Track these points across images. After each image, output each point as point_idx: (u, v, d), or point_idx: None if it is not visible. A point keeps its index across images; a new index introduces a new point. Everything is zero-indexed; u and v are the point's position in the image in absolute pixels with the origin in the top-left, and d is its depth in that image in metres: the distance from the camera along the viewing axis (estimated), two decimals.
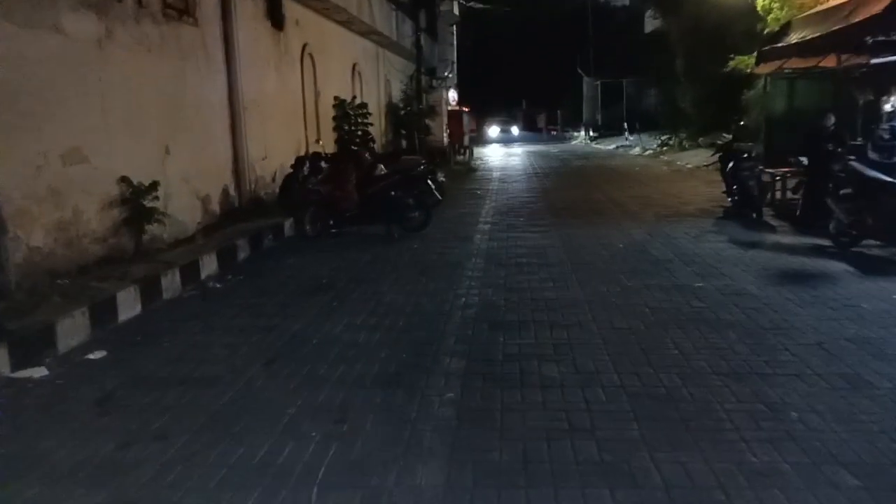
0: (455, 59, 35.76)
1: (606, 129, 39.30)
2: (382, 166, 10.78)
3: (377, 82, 19.72)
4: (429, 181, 9.84)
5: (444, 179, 12.17)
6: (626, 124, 32.11)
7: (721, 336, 4.67)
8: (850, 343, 4.45)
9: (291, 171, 9.93)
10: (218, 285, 6.66)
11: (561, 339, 4.70)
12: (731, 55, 17.48)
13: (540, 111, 52.06)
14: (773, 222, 9.32)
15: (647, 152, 25.81)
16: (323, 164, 9.58)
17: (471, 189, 15.15)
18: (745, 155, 9.94)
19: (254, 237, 8.42)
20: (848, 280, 6.09)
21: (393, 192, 9.07)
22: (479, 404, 3.69)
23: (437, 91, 25.21)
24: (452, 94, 28.90)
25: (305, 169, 9.60)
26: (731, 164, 10.17)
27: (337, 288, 6.36)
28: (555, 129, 49.78)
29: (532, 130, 51.22)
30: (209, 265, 7.11)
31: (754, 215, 9.51)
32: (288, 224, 9.48)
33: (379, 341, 4.78)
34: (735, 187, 9.97)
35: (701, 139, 23.32)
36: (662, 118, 29.15)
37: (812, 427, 3.33)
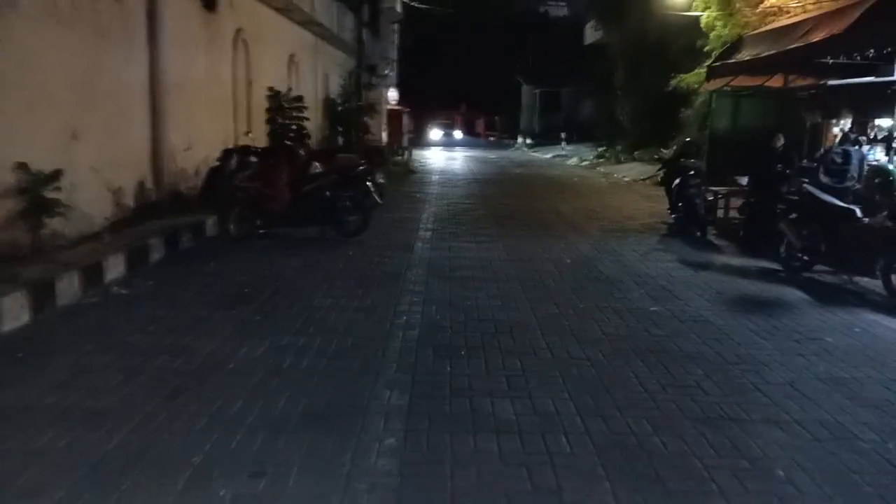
0: (396, 59, 35.20)
1: (543, 138, 39.48)
2: (318, 164, 10.11)
3: (315, 75, 18.90)
4: (368, 182, 9.22)
5: (383, 181, 11.55)
6: (563, 134, 32.22)
7: (686, 371, 4.28)
8: (823, 384, 4.13)
9: (218, 164, 9.12)
10: (124, 291, 5.87)
11: (514, 370, 4.21)
12: (674, 74, 17.60)
13: (479, 116, 51.91)
14: (718, 242, 9.16)
15: (584, 163, 25.88)
16: (253, 158, 8.81)
17: (410, 192, 14.59)
18: (692, 172, 9.77)
19: (170, 237, 7.60)
20: (806, 309, 5.86)
21: (329, 193, 8.42)
22: (424, 455, 3.13)
23: (377, 89, 24.52)
24: (393, 94, 28.29)
25: (233, 163, 8.80)
26: (677, 181, 10.00)
27: (261, 299, 5.69)
28: (493, 136, 49.81)
29: (472, 135, 50.91)
30: (115, 267, 6.28)
31: (699, 233, 9.33)
32: (210, 223, 8.67)
33: (307, 368, 4.16)
34: (680, 204, 9.79)
35: (636, 153, 23.52)
36: (599, 129, 29.38)
37: (802, 489, 2.93)
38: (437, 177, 19.02)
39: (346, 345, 4.57)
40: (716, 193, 10.52)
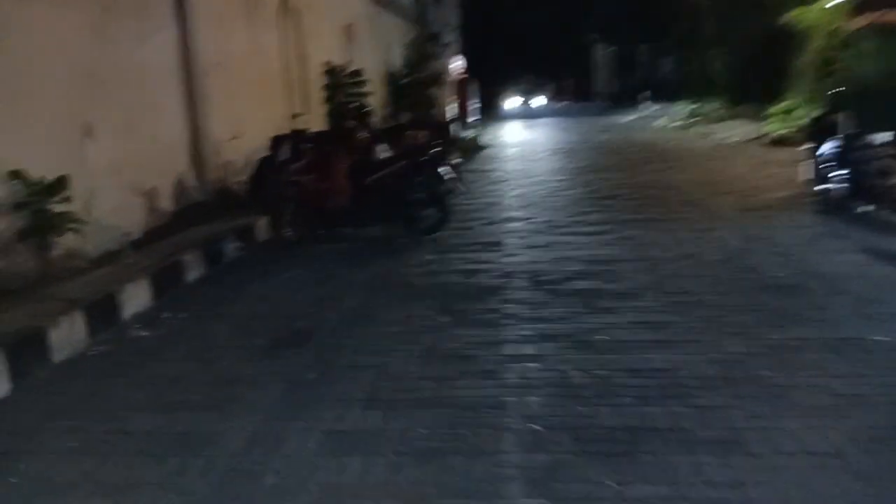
0: (459, 25, 33.25)
1: (621, 99, 36.82)
2: (384, 147, 8.58)
3: (374, 47, 17.35)
4: (443, 166, 7.63)
5: (460, 161, 9.95)
6: (647, 93, 29.62)
7: None
8: None
9: (266, 154, 7.73)
10: (144, 333, 4.51)
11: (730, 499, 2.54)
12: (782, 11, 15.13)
13: (550, 81, 49.00)
14: None
15: (675, 124, 23.42)
16: (307, 145, 7.36)
17: (486, 170, 12.91)
18: (855, 133, 7.68)
19: (212, 247, 6.24)
20: None
21: (398, 183, 6.88)
22: None
23: (441, 58, 22.77)
24: (458, 63, 26.45)
25: (285, 152, 7.39)
26: (833, 144, 7.92)
27: (317, 339, 4.21)
28: (566, 100, 46.90)
29: (547, 101, 46.62)
30: (137, 298, 4.94)
31: (868, 208, 7.29)
32: (262, 224, 7.29)
33: (384, 483, 2.64)
34: (845, 173, 7.72)
35: (736, 109, 20.98)
36: (688, 87, 26.72)
37: None
38: (513, 150, 17.24)
39: (439, 431, 3.01)
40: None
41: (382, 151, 8.67)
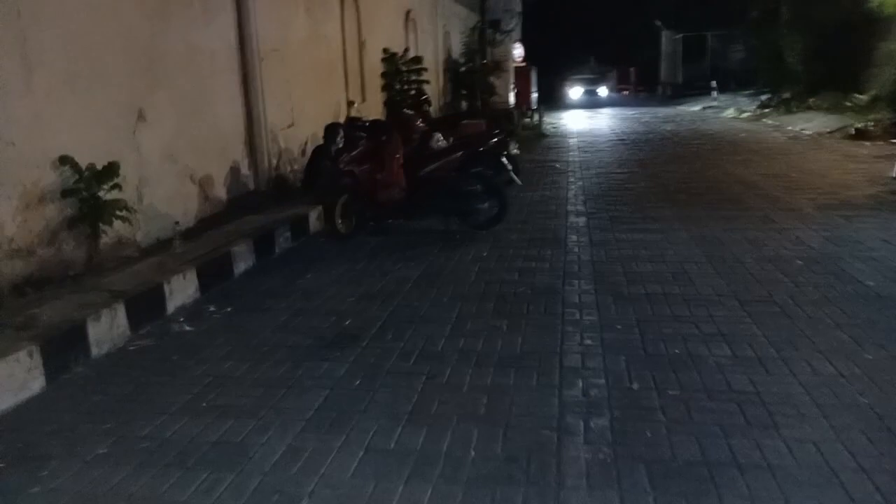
0: (520, 11, 32.60)
1: (688, 88, 35.50)
2: (440, 136, 8.29)
3: (434, 34, 17.06)
4: (503, 158, 7.29)
5: (518, 151, 9.60)
6: (713, 82, 28.40)
7: None
8: None
9: (321, 144, 7.55)
10: (188, 328, 4.35)
11: None
12: None
13: (610, 69, 47.53)
14: None
15: (744, 115, 22.36)
16: (361, 134, 7.13)
17: (546, 161, 12.47)
18: None
19: (263, 238, 6.08)
20: None
21: (455, 174, 6.58)
22: None
23: (502, 45, 22.31)
24: (519, 50, 25.91)
25: (339, 140, 7.17)
26: None
27: (364, 340, 3.96)
28: (627, 89, 45.49)
29: (612, 91, 43.99)
30: (183, 290, 4.80)
31: None
32: (314, 216, 7.11)
33: None
34: None
35: (811, 100, 19.83)
36: (760, 75, 25.51)
37: None
38: (574, 140, 16.69)
39: (491, 455, 2.71)
40: None
41: (439, 141, 8.40)
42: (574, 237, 6.41)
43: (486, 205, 6.56)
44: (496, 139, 6.91)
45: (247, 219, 6.66)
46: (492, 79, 19.06)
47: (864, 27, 17.66)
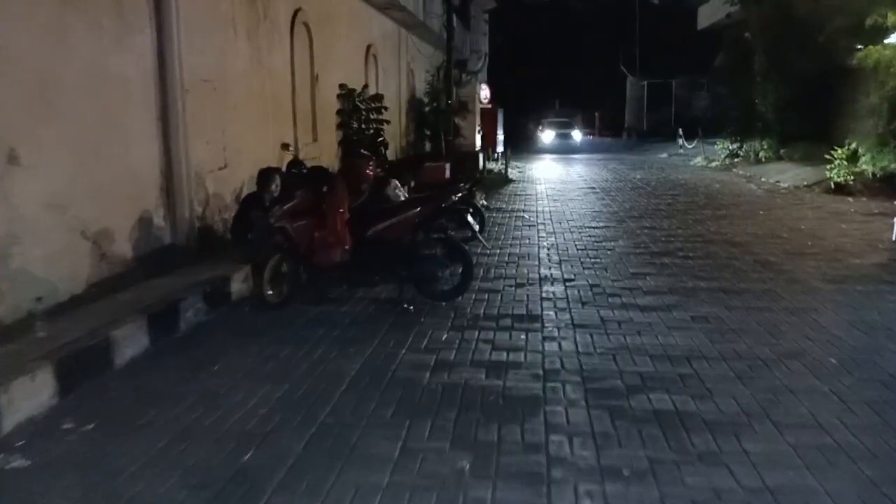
0: (487, 52, 32.16)
1: (652, 134, 35.40)
2: (397, 184, 7.24)
3: (398, 71, 16.16)
4: (468, 213, 6.23)
5: (485, 203, 8.59)
6: (680, 130, 28.12)
7: None
8: None
9: (254, 191, 6.40)
10: (22, 461, 3.06)
11: None
12: (856, 45, 13.67)
13: (576, 114, 47.43)
14: None
15: (713, 163, 21.96)
16: (300, 182, 5.99)
17: (514, 210, 11.48)
18: None
19: (163, 312, 4.83)
20: None
21: (413, 236, 5.46)
22: None
23: (468, 86, 21.52)
24: (485, 91, 25.19)
25: (275, 188, 6.03)
26: None
27: (264, 499, 2.75)
28: (591, 133, 45.36)
29: (591, 135, 41.82)
30: (30, 396, 3.50)
31: None
32: (240, 278, 5.89)
33: None
34: None
35: (783, 151, 19.44)
36: (726, 124, 25.28)
37: None
38: (542, 186, 15.81)
39: None
40: None
41: (396, 189, 7.32)
42: (552, 314, 5.32)
43: (447, 272, 5.45)
44: (460, 192, 5.83)
45: (151, 283, 5.42)
46: (457, 120, 18.16)
47: (840, 79, 17.36)
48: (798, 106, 18.70)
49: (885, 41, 12.90)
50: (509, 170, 18.31)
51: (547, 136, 33.29)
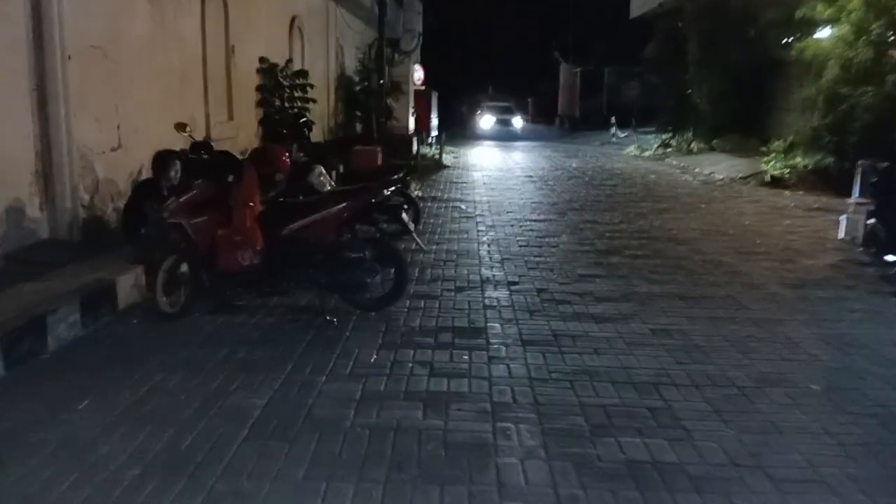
0: (421, 32, 31.19)
1: (584, 122, 35.36)
2: (322, 170, 6.47)
3: (326, 46, 15.12)
4: (402, 207, 5.49)
5: (419, 193, 7.89)
6: (613, 118, 28.04)
7: None
8: None
9: (148, 178, 5.46)
10: None
11: None
12: (787, 38, 13.61)
13: (509, 99, 47.11)
14: None
15: (646, 153, 21.88)
16: (201, 168, 5.09)
17: (451, 199, 10.78)
18: None
19: (25, 327, 3.90)
20: None
21: (337, 236, 4.68)
22: None
23: (401, 66, 20.59)
24: (419, 73, 24.31)
25: (174, 175, 5.09)
26: None
27: None
28: (525, 119, 45.08)
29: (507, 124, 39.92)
30: None
31: None
32: (129, 281, 4.96)
33: None
34: None
35: (714, 142, 19.47)
36: (658, 114, 25.33)
37: None
38: (478, 173, 15.19)
39: None
40: None
41: (320, 177, 6.52)
42: (497, 326, 4.66)
43: (377, 277, 4.70)
44: (394, 184, 5.07)
45: (17, 288, 4.45)
46: (390, 101, 17.28)
47: (772, 71, 17.42)
48: (730, 97, 18.72)
49: (815, 35, 12.88)
50: (444, 155, 17.58)
51: (486, 121, 31.31)
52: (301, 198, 4.88)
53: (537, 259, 6.73)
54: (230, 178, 4.56)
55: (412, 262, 6.15)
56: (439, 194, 11.40)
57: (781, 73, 16.74)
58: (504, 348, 4.23)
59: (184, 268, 4.71)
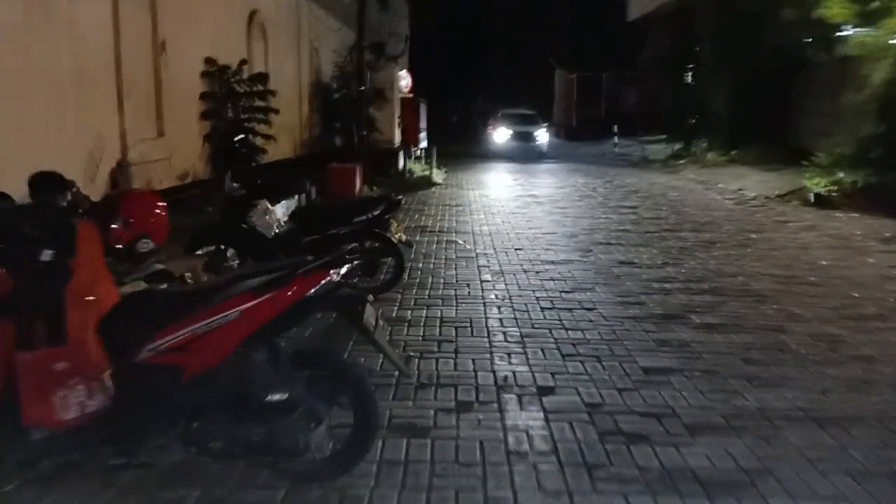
0: (408, 36, 29.21)
1: (581, 131, 33.49)
2: (268, 208, 4.54)
3: (297, 48, 13.08)
4: (367, 306, 3.40)
5: (405, 238, 5.88)
6: (615, 127, 26.09)
7: None
8: None
9: None
10: None
11: None
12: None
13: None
14: None
15: (655, 164, 19.94)
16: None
17: (442, 230, 8.76)
18: None
19: None
20: None
21: (247, 350, 2.59)
22: None
23: (385, 71, 18.51)
24: (406, 80, 22.19)
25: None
26: None
27: None
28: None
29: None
30: None
31: None
32: None
33: None
34: None
35: (734, 153, 17.53)
36: (663, 121, 23.49)
37: None
38: (473, 192, 13.17)
39: None
40: None
41: (265, 216, 4.54)
42: (528, 485, 2.60)
43: (321, 427, 2.62)
44: (350, 263, 2.95)
45: None
46: (372, 110, 15.21)
47: (804, 71, 15.61)
48: (750, 103, 16.86)
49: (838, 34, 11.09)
50: (434, 170, 15.54)
51: (501, 134, 22.98)
52: (182, 285, 2.78)
53: (571, 335, 4.68)
54: (43, 256, 2.46)
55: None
56: (429, 222, 9.37)
57: (813, 75, 14.89)
58: None
59: None
